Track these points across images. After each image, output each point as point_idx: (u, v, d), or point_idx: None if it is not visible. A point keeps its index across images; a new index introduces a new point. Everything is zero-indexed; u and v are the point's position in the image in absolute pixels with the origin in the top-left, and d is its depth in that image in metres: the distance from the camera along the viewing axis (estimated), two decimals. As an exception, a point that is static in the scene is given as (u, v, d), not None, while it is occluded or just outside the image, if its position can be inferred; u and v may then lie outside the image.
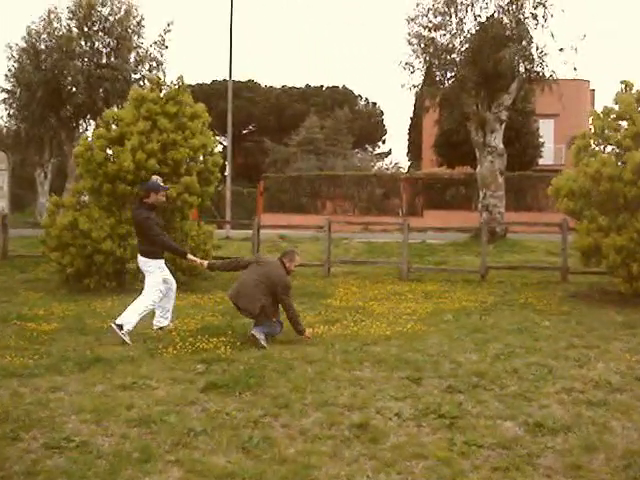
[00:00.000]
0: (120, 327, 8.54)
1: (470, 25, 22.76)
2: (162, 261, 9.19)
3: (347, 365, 7.44)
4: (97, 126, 14.06)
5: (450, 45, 22.52)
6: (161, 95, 14.14)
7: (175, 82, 14.41)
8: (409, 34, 22.37)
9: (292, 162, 46.68)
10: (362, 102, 64.76)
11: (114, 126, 13.93)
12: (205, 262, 9.65)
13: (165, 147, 13.76)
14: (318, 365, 7.42)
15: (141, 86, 19.82)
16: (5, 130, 36.72)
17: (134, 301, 8.99)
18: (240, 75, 73.72)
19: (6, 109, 28.67)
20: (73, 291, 13.27)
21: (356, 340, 8.72)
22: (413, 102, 53.05)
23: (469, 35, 22.67)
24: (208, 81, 57.09)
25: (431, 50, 22.26)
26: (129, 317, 8.69)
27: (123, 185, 13.40)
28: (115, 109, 16.23)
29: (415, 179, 38.87)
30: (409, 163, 56.51)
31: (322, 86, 63.11)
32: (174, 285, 9.38)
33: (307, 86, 62.73)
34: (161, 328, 9.25)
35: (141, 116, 13.80)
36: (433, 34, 22.39)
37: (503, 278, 15.36)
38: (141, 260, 9.14)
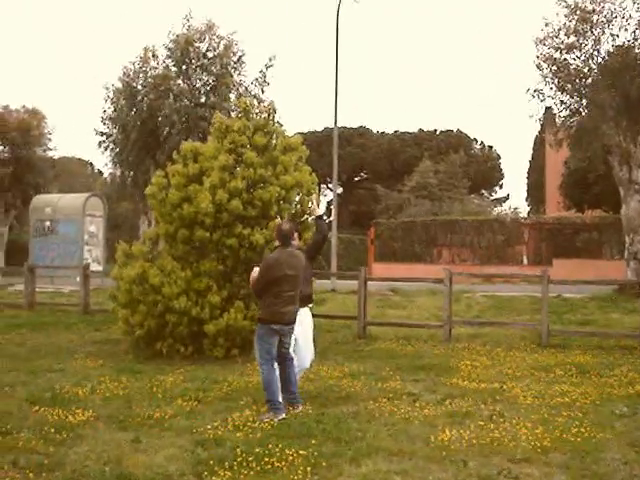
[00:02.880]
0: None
1: (608, 45, 19.77)
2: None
3: (492, 510, 4.69)
4: (173, 162, 11.94)
5: (586, 68, 19.53)
6: (249, 125, 11.96)
7: (266, 108, 12.24)
8: (538, 57, 19.53)
9: (405, 208, 44.04)
10: (477, 146, 61.53)
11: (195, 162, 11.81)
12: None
13: (252, 185, 11.53)
14: (445, 508, 4.72)
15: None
16: (110, 178, 35.88)
17: None
18: (351, 121, 72.22)
19: (110, 155, 27.45)
20: (141, 357, 11.09)
21: (498, 453, 5.86)
22: (533, 141, 49.90)
23: (607, 56, 19.64)
24: (320, 128, 55.35)
25: (564, 74, 19.31)
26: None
27: (201, 231, 11.20)
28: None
29: (540, 224, 35.37)
30: (528, 208, 52.82)
31: (435, 130, 60.34)
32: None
33: (420, 130, 60.05)
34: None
35: (224, 149, 11.63)
36: (565, 56, 19.47)
37: (671, 344, 12.18)
38: None
